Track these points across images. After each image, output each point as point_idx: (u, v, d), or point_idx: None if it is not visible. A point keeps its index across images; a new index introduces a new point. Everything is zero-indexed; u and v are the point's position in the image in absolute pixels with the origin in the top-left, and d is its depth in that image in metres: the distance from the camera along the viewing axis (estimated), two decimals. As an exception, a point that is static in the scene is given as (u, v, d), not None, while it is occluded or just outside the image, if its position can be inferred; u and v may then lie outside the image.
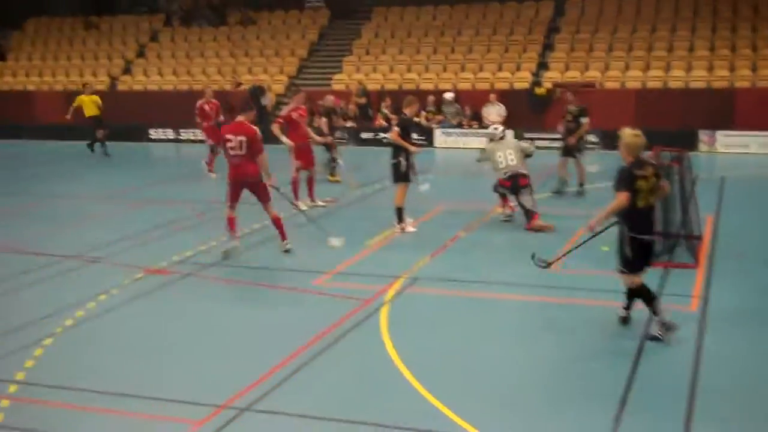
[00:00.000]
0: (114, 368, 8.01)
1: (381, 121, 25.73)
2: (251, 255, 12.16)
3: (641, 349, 8.13)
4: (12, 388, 7.53)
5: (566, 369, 7.80)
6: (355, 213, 15.31)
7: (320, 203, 15.90)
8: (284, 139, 15.20)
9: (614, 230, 8.39)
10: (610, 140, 18.83)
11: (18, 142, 28.38)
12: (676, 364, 7.77)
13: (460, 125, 25.12)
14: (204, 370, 7.92)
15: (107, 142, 24.24)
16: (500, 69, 27.06)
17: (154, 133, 28.02)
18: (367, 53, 29.58)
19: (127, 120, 28.00)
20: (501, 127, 14.73)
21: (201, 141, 26.37)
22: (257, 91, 26.38)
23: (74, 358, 8.34)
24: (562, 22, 28.68)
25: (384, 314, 9.39)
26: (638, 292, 8.36)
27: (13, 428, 6.76)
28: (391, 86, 27.16)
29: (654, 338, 8.24)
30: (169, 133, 27.55)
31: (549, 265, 9.37)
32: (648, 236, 8.21)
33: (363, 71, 28.47)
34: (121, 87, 30.72)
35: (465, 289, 10.38)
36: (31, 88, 31.53)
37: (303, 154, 15.61)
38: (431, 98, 25.67)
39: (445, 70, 27.65)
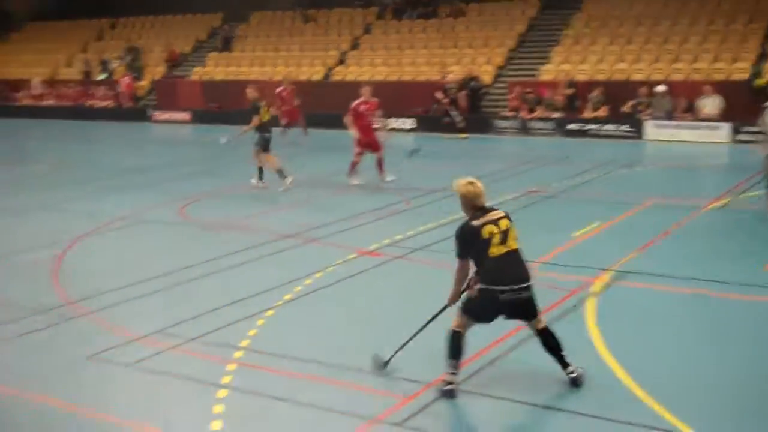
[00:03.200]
0: (329, 341, 8.52)
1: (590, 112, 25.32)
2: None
3: None
4: (238, 354, 8.19)
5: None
6: (560, 204, 15.24)
7: (388, 179, 17.38)
8: (352, 129, 17.33)
9: None
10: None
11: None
12: None
13: (672, 117, 24.25)
14: (414, 348, 8.25)
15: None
16: (717, 60, 25.84)
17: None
18: (577, 43, 29.12)
19: (338, 109, 29.07)
20: None
21: (409, 129, 27.18)
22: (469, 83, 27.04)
23: (293, 330, 8.94)
24: (787, 10, 26.98)
25: (591, 306, 9.38)
26: (451, 337, 7.15)
27: (240, 389, 7.39)
28: (600, 77, 26.60)
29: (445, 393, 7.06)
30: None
31: (386, 364, 7.59)
32: (503, 287, 6.97)
33: (572, 62, 28.06)
34: (335, 78, 31.94)
35: (676, 285, 10.14)
36: (252, 77, 33.38)
37: (368, 142, 17.38)
38: (643, 90, 24.91)
39: (657, 60, 26.75)
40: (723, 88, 24.08)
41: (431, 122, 27.43)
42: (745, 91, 23.77)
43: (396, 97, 27.64)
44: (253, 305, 9.61)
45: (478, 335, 7.46)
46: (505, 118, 26.73)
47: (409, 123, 27.87)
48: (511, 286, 7.01)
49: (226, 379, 7.55)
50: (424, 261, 11.46)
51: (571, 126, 25.26)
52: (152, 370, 7.83)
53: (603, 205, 14.91)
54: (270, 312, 9.42)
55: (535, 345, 7.29)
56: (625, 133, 24.13)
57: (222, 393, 7.27)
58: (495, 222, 7.15)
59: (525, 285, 7.09)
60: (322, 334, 8.78)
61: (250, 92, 17.72)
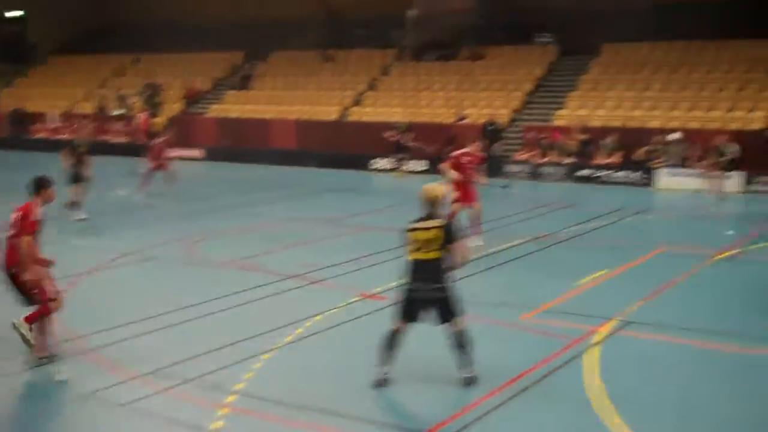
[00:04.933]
0: (324, 387, 8.43)
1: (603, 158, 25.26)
2: (462, 286, 12.32)
3: None
4: (231, 398, 8.11)
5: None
6: (566, 251, 15.14)
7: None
8: (449, 175, 14.94)
9: None
10: None
11: (253, 167, 30.31)
12: None
13: (685, 164, 24.12)
14: (403, 396, 8.18)
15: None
16: (733, 108, 25.78)
17: (373, 163, 28.95)
18: (593, 89, 29.17)
19: (351, 149, 29.30)
20: None
21: (421, 172, 27.31)
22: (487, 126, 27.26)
23: (289, 374, 8.86)
24: (807, 61, 26.92)
25: (592, 356, 9.25)
26: (386, 336, 8.27)
27: (231, 434, 7.31)
28: (614, 123, 26.57)
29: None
30: (386, 164, 28.42)
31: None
32: (416, 289, 8.09)
33: (588, 107, 28.09)
34: (351, 117, 32.13)
35: (683, 337, 10.00)
36: (267, 116, 33.65)
37: (464, 194, 15.16)
38: (657, 137, 24.86)
39: (674, 108, 26.73)
40: (738, 136, 23.98)
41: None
42: (760, 140, 23.66)
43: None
44: (251, 347, 9.55)
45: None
46: (516, 162, 26.71)
47: (422, 165, 27.88)
48: (420, 285, 8.05)
49: (216, 425, 7.47)
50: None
51: (582, 172, 25.20)
52: (144, 412, 7.77)
53: (611, 253, 14.81)
54: (267, 355, 9.35)
55: (536, 397, 7.18)
56: (637, 181, 24.02)
57: (211, 438, 7.20)
58: (426, 230, 8.04)
59: (435, 287, 8.05)
60: (320, 379, 8.69)
61: None
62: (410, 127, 27.79)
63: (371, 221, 18.30)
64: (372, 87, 33.86)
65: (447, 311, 8.17)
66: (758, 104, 25.60)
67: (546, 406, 7.91)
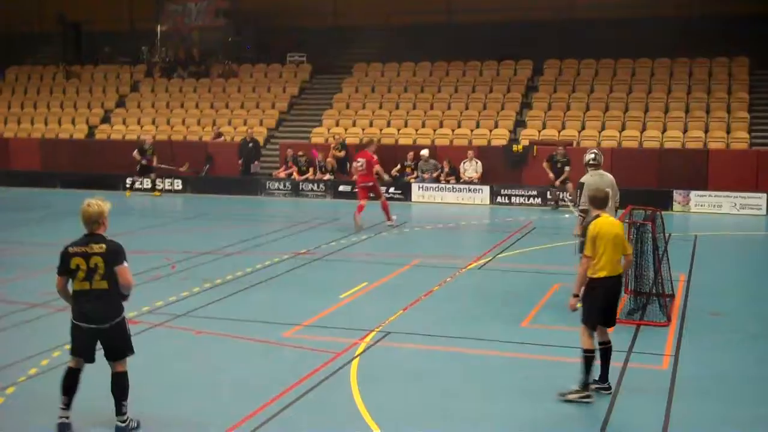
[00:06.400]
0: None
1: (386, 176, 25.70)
2: (223, 306, 12.03)
3: (611, 408, 8.07)
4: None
5: (543, 429, 7.71)
6: (327, 267, 15.19)
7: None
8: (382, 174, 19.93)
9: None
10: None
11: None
12: (646, 423, 7.71)
13: (437, 180, 25.21)
14: (170, 419, 7.77)
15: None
16: (478, 126, 27.28)
17: (127, 183, 27.79)
18: (347, 107, 29.75)
19: (102, 169, 27.97)
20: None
21: (176, 191, 26.57)
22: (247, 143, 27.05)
23: (36, 408, 8.14)
24: (540, 82, 28.99)
25: (355, 368, 9.28)
26: (64, 375, 7.49)
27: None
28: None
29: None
30: (146, 183, 27.42)
31: None
32: (81, 323, 7.28)
33: (342, 125, 28.60)
34: (99, 136, 30.65)
35: (437, 344, 10.32)
36: (7, 135, 31.39)
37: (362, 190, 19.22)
38: (410, 154, 25.80)
39: (423, 125, 27.84)
40: (483, 152, 25.41)
41: (202, 183, 26.93)
42: (502, 156, 25.22)
43: (165, 158, 26.89)
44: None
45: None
46: (277, 179, 26.67)
47: (177, 184, 27.11)
48: (87, 324, 7.21)
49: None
50: (186, 328, 10.93)
51: (343, 188, 25.59)
52: None
53: (371, 266, 15.05)
54: (11, 389, 8.55)
55: (301, 412, 7.03)
56: (393, 196, 24.73)
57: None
58: (86, 256, 7.20)
59: (103, 326, 7.24)
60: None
61: None
62: (155, 150, 26.72)
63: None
64: (121, 104, 32.52)
65: (114, 349, 7.42)
66: (500, 122, 27.23)
67: (312, 420, 7.84)
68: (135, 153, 26.32)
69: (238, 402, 8.17)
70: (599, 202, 8.55)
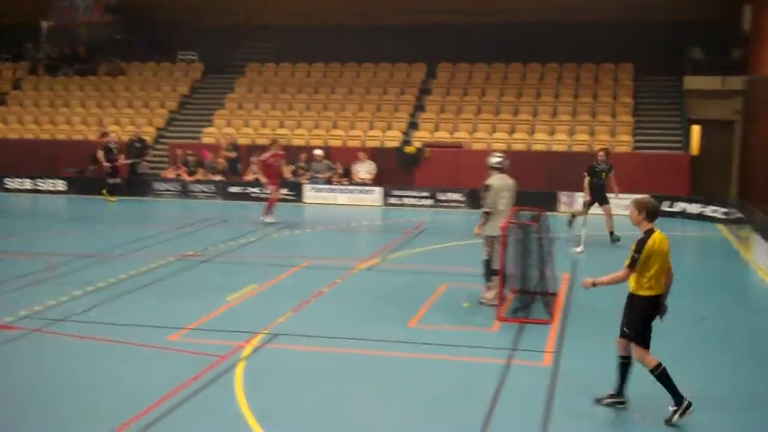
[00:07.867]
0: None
1: (252, 176, 25.44)
2: (106, 310, 11.67)
3: (494, 405, 8.18)
4: None
5: (426, 427, 7.76)
6: (215, 269, 14.94)
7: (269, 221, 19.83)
8: (260, 176, 20.80)
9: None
10: (475, 199, 19.41)
11: None
12: (527, 419, 7.85)
13: (329, 181, 25.17)
14: (53, 426, 7.50)
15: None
16: (372, 127, 27.37)
17: (10, 183, 26.79)
18: (240, 107, 29.38)
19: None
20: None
21: (59, 192, 25.72)
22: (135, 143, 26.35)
23: None
24: (433, 85, 29.32)
25: (240, 371, 9.14)
26: None
27: None
28: (262, 141, 26.93)
29: None
30: (27, 183, 26.46)
31: None
32: None
33: (234, 125, 28.24)
34: (-22, 136, 29.43)
35: (325, 345, 10.27)
36: None
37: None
38: (303, 155, 25.67)
39: (316, 126, 27.76)
40: (376, 154, 25.51)
41: (85, 184, 26.08)
42: (395, 157, 25.37)
43: (47, 158, 26.06)
44: None
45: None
46: (165, 180, 26.12)
47: (60, 185, 26.24)
48: None
49: None
50: (67, 333, 10.55)
51: (234, 189, 25.26)
52: None
53: (260, 268, 14.86)
54: None
55: (183, 417, 6.85)
56: (286, 196, 24.55)
57: None
58: None
59: None
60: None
61: None
62: (120, 148, 25.65)
63: (2, 246, 16.79)
64: (2, 102, 31.27)
65: None
66: (393, 124, 27.40)
67: (197, 423, 7.69)
68: (100, 154, 25.27)
69: (121, 407, 7.93)
70: (654, 214, 8.07)
